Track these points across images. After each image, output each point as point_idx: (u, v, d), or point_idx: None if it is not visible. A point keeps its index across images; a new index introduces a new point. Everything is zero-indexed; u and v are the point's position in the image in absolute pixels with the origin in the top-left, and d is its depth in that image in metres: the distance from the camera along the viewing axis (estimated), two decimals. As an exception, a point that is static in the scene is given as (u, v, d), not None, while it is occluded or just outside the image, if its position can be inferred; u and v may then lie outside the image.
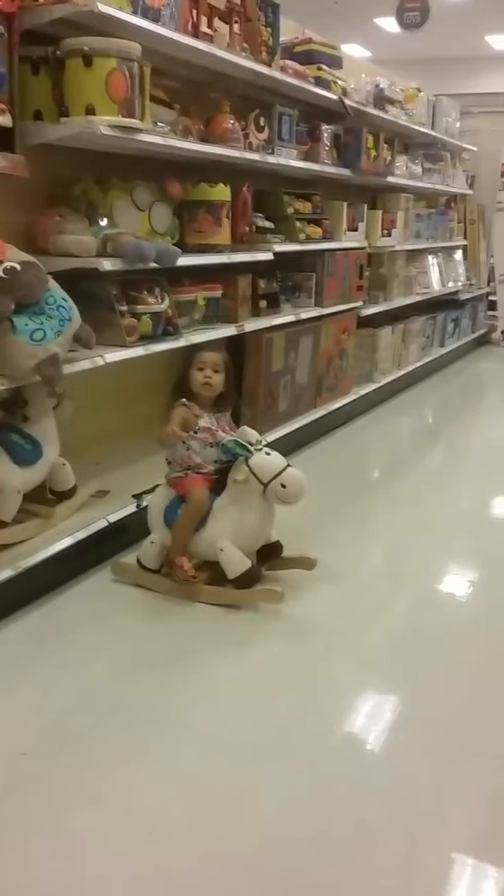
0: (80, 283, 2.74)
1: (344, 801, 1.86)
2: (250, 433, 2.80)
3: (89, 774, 1.92)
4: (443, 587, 3.01)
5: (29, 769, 1.93)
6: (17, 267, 2.38)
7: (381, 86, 4.95)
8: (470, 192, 7.63)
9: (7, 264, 2.36)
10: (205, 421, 2.77)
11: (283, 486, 2.65)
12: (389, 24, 11.94)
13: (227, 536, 2.70)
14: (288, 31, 4.17)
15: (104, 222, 2.95)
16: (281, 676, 2.36)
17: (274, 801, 1.85)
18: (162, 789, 1.87)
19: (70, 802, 1.83)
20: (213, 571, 2.77)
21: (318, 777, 1.94)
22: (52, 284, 2.55)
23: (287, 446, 4.04)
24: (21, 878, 1.62)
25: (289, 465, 2.70)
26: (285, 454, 2.78)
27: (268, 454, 2.71)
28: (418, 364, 6.32)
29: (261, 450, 2.72)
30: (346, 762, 2.00)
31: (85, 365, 2.70)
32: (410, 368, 6.14)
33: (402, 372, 5.98)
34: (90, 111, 2.58)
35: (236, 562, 2.69)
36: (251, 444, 2.71)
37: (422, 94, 5.86)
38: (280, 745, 2.05)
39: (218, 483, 2.75)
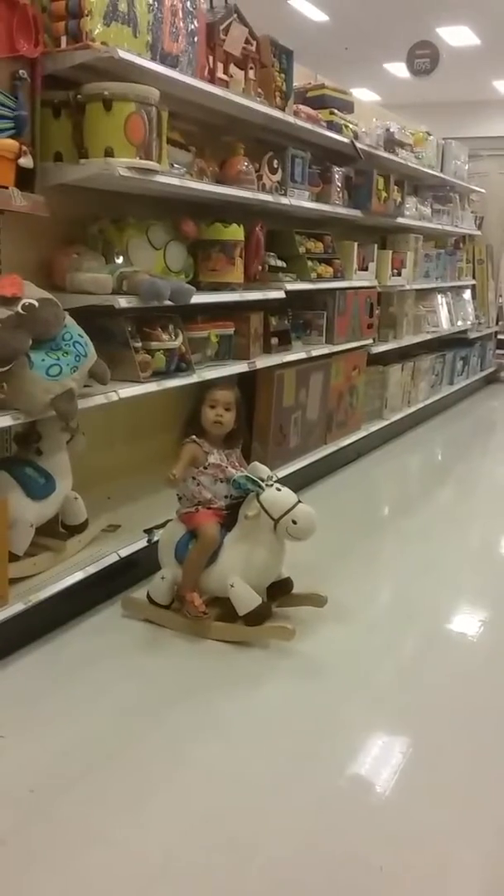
0: (95, 320, 2.78)
1: (353, 843, 1.84)
2: (261, 469, 2.81)
3: (97, 813, 1.90)
4: (453, 626, 2.99)
5: (36, 807, 1.91)
6: (35, 304, 2.42)
7: (392, 129, 5.05)
8: (478, 232, 7.73)
9: (25, 301, 2.40)
10: (214, 457, 2.78)
11: (294, 522, 2.66)
12: (398, 69, 12.21)
13: (238, 572, 2.70)
14: (301, 76, 4.27)
15: (120, 260, 3.00)
16: (291, 715, 2.34)
17: (283, 844, 1.83)
18: (171, 829, 1.85)
19: (78, 842, 1.80)
20: (223, 608, 2.76)
21: (328, 819, 1.92)
22: (69, 321, 2.59)
23: (297, 482, 4.04)
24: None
25: (300, 502, 2.70)
26: (295, 490, 2.78)
27: (279, 490, 2.72)
28: (427, 402, 6.34)
29: (272, 486, 2.72)
30: (356, 804, 1.97)
31: (99, 400, 2.73)
32: (420, 406, 6.16)
33: (412, 409, 6.00)
34: (109, 153, 2.65)
35: (247, 598, 2.68)
36: (262, 480, 2.72)
37: (431, 137, 5.97)
38: (290, 785, 2.02)
39: (229, 519, 2.76)
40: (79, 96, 2.67)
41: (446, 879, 1.74)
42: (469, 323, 7.31)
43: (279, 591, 2.85)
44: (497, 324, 8.46)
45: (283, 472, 3.91)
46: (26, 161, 2.51)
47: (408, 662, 2.69)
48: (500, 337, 8.56)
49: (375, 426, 5.33)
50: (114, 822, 1.87)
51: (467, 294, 7.51)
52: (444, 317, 6.61)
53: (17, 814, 1.88)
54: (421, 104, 11.81)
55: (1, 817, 1.87)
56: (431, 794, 2.02)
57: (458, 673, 2.62)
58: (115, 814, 1.90)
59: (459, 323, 7.04)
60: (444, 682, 2.55)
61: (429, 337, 6.25)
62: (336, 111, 4.28)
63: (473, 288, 7.75)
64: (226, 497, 2.77)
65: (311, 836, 1.85)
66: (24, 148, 2.49)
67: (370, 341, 5.05)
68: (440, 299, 6.57)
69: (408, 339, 5.78)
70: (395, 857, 1.79)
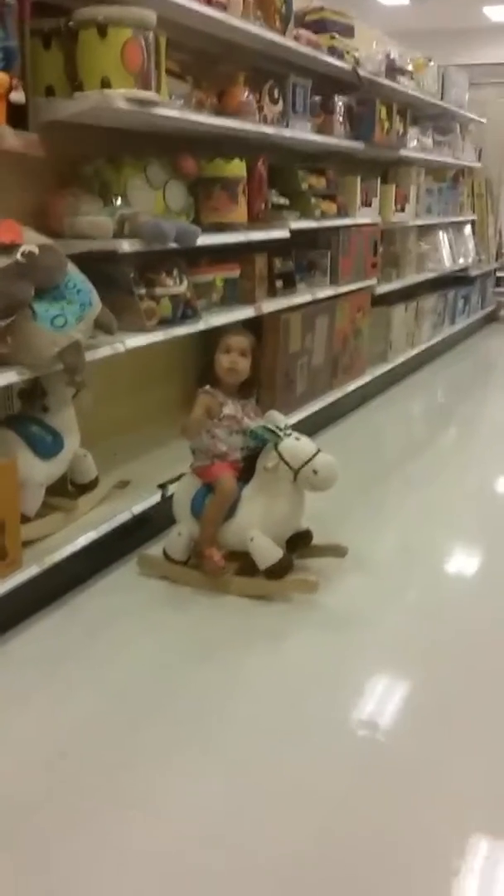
0: (94, 267, 2.62)
1: (392, 795, 1.80)
2: (278, 418, 2.71)
3: (132, 774, 1.84)
4: (479, 573, 2.93)
5: (68, 772, 1.86)
6: (36, 251, 2.26)
7: (392, 56, 4.79)
8: (479, 164, 7.48)
9: (25, 248, 2.25)
10: (229, 408, 2.67)
11: (315, 472, 2.56)
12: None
13: (257, 526, 2.61)
14: (296, -1, 4.02)
15: (118, 202, 2.84)
16: (318, 668, 2.29)
17: (324, 797, 1.79)
18: (205, 790, 1.80)
19: (114, 804, 1.75)
20: (242, 562, 2.68)
21: (365, 771, 1.88)
22: (71, 268, 2.44)
23: (305, 430, 3.88)
24: (66, 887, 1.55)
25: (319, 450, 2.60)
26: (303, 439, 2.69)
27: (297, 439, 2.62)
28: (431, 342, 6.20)
29: (290, 435, 2.62)
30: (392, 759, 1.93)
31: (105, 352, 2.60)
32: (423, 347, 6.02)
33: (416, 351, 5.86)
34: (105, 84, 2.46)
35: (268, 552, 2.60)
36: (280, 430, 2.61)
37: (431, 63, 5.70)
38: (324, 738, 1.99)
39: (245, 471, 2.66)
40: (70, 23, 2.47)
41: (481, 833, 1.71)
42: (470, 260, 7.12)
43: (299, 542, 2.77)
44: (497, 260, 8.26)
45: (290, 420, 3.78)
46: (18, 96, 2.32)
47: (434, 611, 2.63)
48: (499, 275, 8.38)
49: (380, 369, 5.20)
50: (146, 786, 1.81)
51: (467, 230, 7.30)
52: (446, 254, 6.42)
53: (49, 779, 1.83)
54: (406, 32, 11.31)
55: (34, 783, 1.82)
56: (460, 744, 1.98)
57: (486, 621, 2.56)
58: (150, 774, 1.84)
59: (461, 260, 6.85)
60: (474, 630, 2.49)
61: (431, 276, 6.08)
62: (337, 35, 4.04)
63: (473, 223, 7.53)
64: (241, 449, 2.67)
65: (351, 788, 1.81)
66: (14, 82, 2.31)
67: (374, 281, 4.89)
68: (442, 236, 6.37)
69: (411, 279, 5.61)
70: (434, 817, 1.74)
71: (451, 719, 2.07)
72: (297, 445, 2.59)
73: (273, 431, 2.59)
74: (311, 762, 1.90)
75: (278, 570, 2.60)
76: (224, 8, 3.06)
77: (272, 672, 2.27)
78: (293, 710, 2.09)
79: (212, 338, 2.82)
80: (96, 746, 1.94)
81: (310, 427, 4.12)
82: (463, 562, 3.04)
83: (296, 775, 1.86)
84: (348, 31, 4.21)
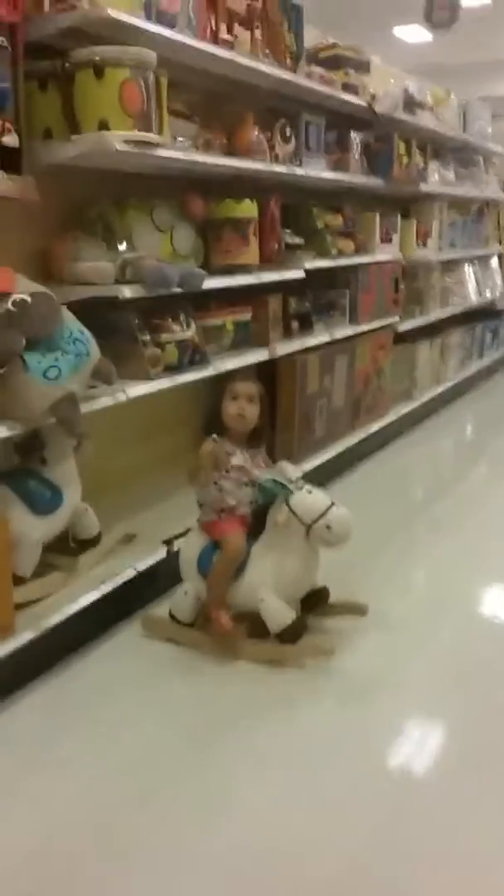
0: (98, 313, 2.51)
1: (416, 878, 1.61)
2: (289, 469, 2.55)
3: (127, 879, 1.66)
4: (508, 632, 2.72)
5: (54, 873, 1.68)
6: (28, 299, 2.16)
7: (411, 90, 4.70)
8: (503, 196, 7.33)
9: (16, 297, 2.14)
10: (238, 458, 2.52)
11: (329, 527, 2.39)
12: (405, 33, 11.74)
13: (268, 585, 2.44)
14: (309, 37, 3.93)
15: (123, 246, 2.74)
16: (336, 744, 2.10)
17: (345, 882, 1.62)
18: (212, 881, 1.62)
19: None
20: (252, 624, 2.51)
21: (387, 862, 1.68)
22: (68, 316, 2.33)
23: (325, 475, 3.78)
24: None
25: (333, 504, 2.43)
26: (323, 483, 2.55)
27: (310, 492, 2.45)
28: (458, 379, 6.01)
29: (301, 488, 2.46)
30: (416, 834, 1.74)
31: (106, 402, 2.48)
32: (450, 384, 5.83)
33: (442, 388, 5.68)
34: (103, 126, 2.37)
35: (279, 614, 2.43)
36: (291, 482, 2.46)
37: (452, 96, 5.59)
38: (342, 825, 1.80)
39: (255, 526, 2.50)
40: (66, 64, 2.39)
41: None
42: (497, 293, 6.94)
43: (314, 601, 2.59)
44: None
45: (309, 465, 3.64)
46: (11, 139, 2.25)
47: (464, 673, 2.41)
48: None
49: (405, 409, 5.03)
50: (145, 884, 1.63)
51: (494, 262, 7.13)
52: (472, 288, 6.25)
53: (32, 882, 1.65)
54: (430, 68, 11.32)
55: (18, 883, 1.64)
56: (490, 831, 1.77)
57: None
58: (149, 876, 1.66)
59: (488, 293, 6.67)
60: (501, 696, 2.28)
61: (457, 310, 5.91)
62: (351, 71, 3.94)
63: (500, 256, 7.36)
64: (251, 503, 2.51)
65: (368, 878, 1.62)
66: (7, 125, 2.23)
67: (396, 319, 4.73)
68: (468, 269, 6.21)
69: (435, 314, 5.44)
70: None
71: (482, 795, 1.89)
72: (310, 499, 2.43)
73: (283, 485, 2.43)
74: (330, 844, 1.73)
75: (291, 634, 2.43)
76: (231, 47, 2.98)
77: (285, 745, 2.09)
78: (308, 788, 1.92)
79: (222, 384, 2.68)
80: (86, 843, 1.76)
81: (330, 471, 3.97)
82: (497, 615, 2.82)
83: (313, 861, 1.68)
84: (363, 67, 4.12)
